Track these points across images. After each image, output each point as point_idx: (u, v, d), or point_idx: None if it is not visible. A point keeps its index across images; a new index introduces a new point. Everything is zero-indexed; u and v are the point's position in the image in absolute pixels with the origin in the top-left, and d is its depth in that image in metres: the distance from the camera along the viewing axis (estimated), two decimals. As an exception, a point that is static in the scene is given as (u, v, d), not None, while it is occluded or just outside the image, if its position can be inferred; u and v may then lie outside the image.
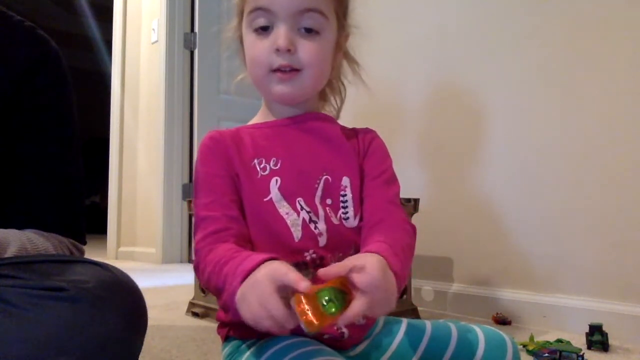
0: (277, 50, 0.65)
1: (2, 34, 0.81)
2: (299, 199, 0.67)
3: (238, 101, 3.29)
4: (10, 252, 0.70)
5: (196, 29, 3.24)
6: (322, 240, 0.67)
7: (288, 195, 0.67)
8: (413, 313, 1.53)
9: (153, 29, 3.39)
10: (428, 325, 0.71)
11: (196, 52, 3.23)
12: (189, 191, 3.23)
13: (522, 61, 1.56)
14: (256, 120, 0.76)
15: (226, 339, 0.68)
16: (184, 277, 2.40)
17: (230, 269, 0.57)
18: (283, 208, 0.66)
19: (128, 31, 3.69)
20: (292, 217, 0.66)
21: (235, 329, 0.66)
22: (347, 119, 0.79)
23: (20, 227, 0.77)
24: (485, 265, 1.62)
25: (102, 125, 4.00)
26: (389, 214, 0.70)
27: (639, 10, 1.35)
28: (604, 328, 1.22)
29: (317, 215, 0.67)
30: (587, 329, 1.24)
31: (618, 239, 1.36)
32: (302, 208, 0.67)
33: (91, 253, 0.86)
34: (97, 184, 5.17)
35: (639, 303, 1.32)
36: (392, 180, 0.75)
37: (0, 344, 0.56)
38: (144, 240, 3.40)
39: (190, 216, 2.89)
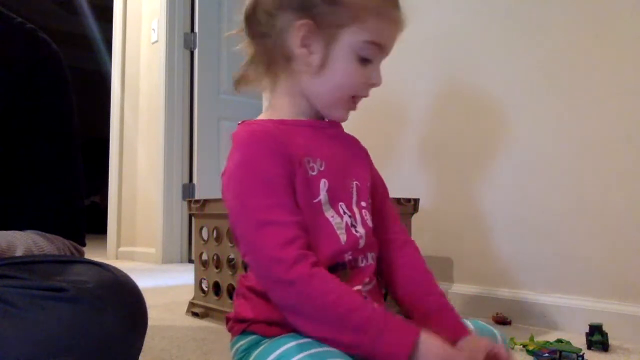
0: (372, 85, 0.69)
1: (3, 36, 0.82)
2: (340, 203, 0.67)
3: (238, 101, 3.30)
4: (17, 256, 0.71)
5: (196, 29, 3.25)
6: (362, 243, 0.68)
7: (332, 199, 0.67)
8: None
9: (153, 29, 3.39)
10: None
11: (196, 52, 3.23)
12: (189, 191, 3.23)
13: (523, 61, 1.56)
14: (281, 116, 0.71)
15: (242, 332, 0.67)
16: (184, 277, 2.40)
17: (387, 339, 0.56)
18: (329, 211, 0.66)
19: (128, 31, 3.69)
20: (337, 221, 0.66)
21: (259, 326, 0.65)
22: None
23: (20, 228, 0.77)
24: (485, 265, 1.62)
25: (102, 125, 4.00)
26: (405, 233, 0.77)
27: None
28: (604, 328, 1.22)
29: (355, 219, 0.68)
30: (587, 329, 1.24)
31: (618, 239, 1.36)
32: (344, 212, 0.67)
33: (91, 253, 0.86)
34: (97, 184, 5.17)
35: (639, 303, 1.32)
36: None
37: (0, 344, 0.56)
38: (144, 240, 3.40)
39: (190, 216, 2.89)
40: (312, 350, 0.57)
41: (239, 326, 0.67)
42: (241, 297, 0.69)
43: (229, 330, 0.70)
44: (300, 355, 0.57)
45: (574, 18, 1.46)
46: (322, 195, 0.66)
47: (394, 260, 0.74)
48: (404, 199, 1.52)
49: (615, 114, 1.38)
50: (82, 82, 2.69)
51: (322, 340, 0.58)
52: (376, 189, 0.77)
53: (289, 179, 0.64)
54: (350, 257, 0.66)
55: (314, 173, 0.66)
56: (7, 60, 0.80)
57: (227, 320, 0.71)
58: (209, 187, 3.17)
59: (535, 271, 1.51)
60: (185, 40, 3.28)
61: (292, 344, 0.59)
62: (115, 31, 3.75)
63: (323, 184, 0.66)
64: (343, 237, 0.66)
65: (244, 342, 0.66)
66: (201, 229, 1.64)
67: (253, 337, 0.65)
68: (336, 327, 0.57)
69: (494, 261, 1.60)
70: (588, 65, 1.43)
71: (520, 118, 1.56)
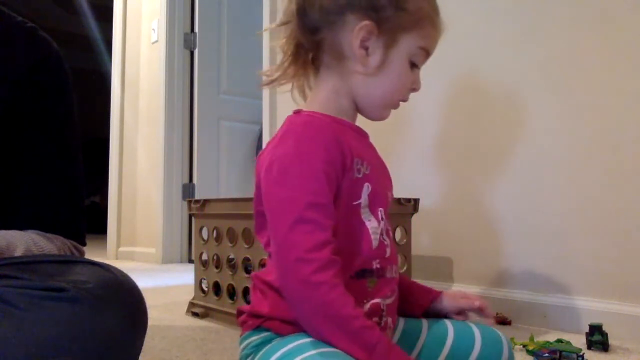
0: (414, 89, 0.72)
1: (3, 35, 0.82)
2: (380, 208, 0.68)
3: (238, 101, 3.30)
4: (17, 255, 0.71)
5: (196, 29, 3.25)
6: (388, 252, 0.68)
7: (373, 203, 0.67)
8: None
9: (153, 29, 3.39)
10: (425, 323, 0.72)
11: (196, 52, 3.24)
12: (189, 191, 3.23)
13: (526, 61, 1.56)
14: (327, 112, 0.69)
15: (256, 328, 0.66)
16: (184, 277, 2.40)
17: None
18: (367, 214, 0.66)
19: (128, 31, 3.69)
20: (374, 225, 0.66)
21: (274, 323, 0.64)
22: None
23: (20, 227, 0.77)
24: (485, 265, 1.62)
25: (102, 125, 4.00)
26: None
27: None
28: (604, 328, 1.22)
29: (387, 227, 0.69)
30: (587, 329, 1.24)
31: (618, 239, 1.36)
32: (382, 218, 0.68)
33: (91, 253, 0.86)
34: (97, 184, 5.17)
35: (639, 303, 1.32)
36: None
37: (0, 344, 0.56)
38: (144, 240, 3.40)
39: (190, 216, 2.89)
40: (323, 349, 0.57)
41: (253, 321, 0.66)
42: (258, 292, 0.68)
43: (241, 325, 0.68)
44: (311, 353, 0.57)
45: (578, 17, 1.46)
46: (363, 199, 0.66)
47: None
48: (404, 199, 1.52)
49: (618, 114, 1.38)
50: (82, 82, 2.69)
51: (327, 344, 0.58)
52: None
53: (337, 179, 0.63)
54: (378, 266, 0.66)
55: (359, 175, 0.66)
56: (8, 59, 0.80)
57: (239, 312, 0.69)
58: (209, 187, 3.18)
59: (535, 271, 1.51)
60: (185, 40, 3.28)
61: (303, 341, 0.59)
62: (115, 31, 3.75)
63: (366, 188, 0.66)
64: (375, 243, 0.66)
65: (257, 337, 0.65)
66: (201, 229, 1.64)
67: (267, 334, 0.65)
68: (347, 338, 0.57)
69: (494, 261, 1.60)
70: (592, 65, 1.43)
71: (521, 118, 1.56)
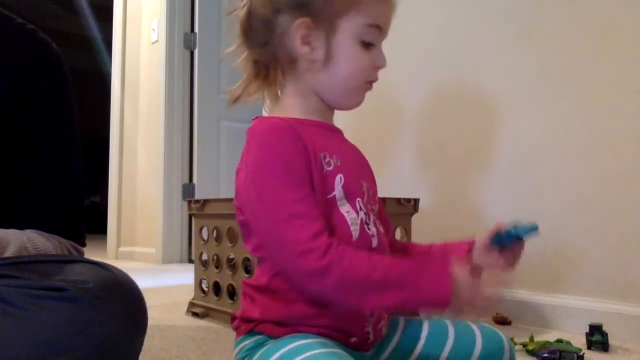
0: (378, 68, 0.70)
1: (3, 36, 0.82)
2: (358, 199, 0.67)
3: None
4: (10, 252, 0.71)
5: (196, 29, 3.25)
6: (375, 242, 0.68)
7: (349, 194, 0.67)
8: (413, 313, 1.53)
9: (153, 29, 3.39)
10: (425, 323, 0.72)
11: (196, 52, 3.24)
12: (189, 191, 3.23)
13: (523, 61, 1.56)
14: (293, 115, 0.70)
15: (248, 332, 0.67)
16: (184, 277, 2.40)
17: (431, 270, 0.60)
18: (344, 206, 0.66)
19: (128, 31, 3.69)
20: (352, 216, 0.66)
21: (266, 326, 0.65)
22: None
23: (20, 227, 0.77)
24: (485, 265, 1.62)
25: (102, 125, 4.00)
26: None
27: (639, 9, 1.35)
28: (604, 328, 1.22)
29: (369, 217, 0.68)
30: (587, 329, 1.24)
31: (618, 239, 1.36)
32: (360, 208, 0.67)
33: (91, 253, 0.86)
34: (97, 184, 5.18)
35: (639, 303, 1.32)
36: None
37: (0, 344, 0.56)
38: (144, 240, 3.40)
39: (190, 216, 2.89)
40: (320, 350, 0.58)
41: (246, 326, 0.67)
42: (248, 298, 0.68)
43: (235, 329, 0.69)
44: (308, 354, 0.57)
45: (570, 17, 1.46)
46: (337, 191, 0.65)
47: None
48: (404, 199, 1.52)
49: (615, 113, 1.38)
50: (82, 82, 2.69)
51: (371, 309, 0.64)
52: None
53: (309, 171, 0.64)
54: None
55: (330, 168, 0.66)
56: (8, 60, 0.80)
57: (233, 318, 0.70)
58: (209, 187, 3.17)
59: (535, 271, 1.51)
60: (185, 40, 3.28)
61: (300, 342, 0.59)
62: (115, 31, 3.75)
63: (339, 179, 0.66)
64: (355, 234, 0.65)
65: (250, 341, 0.66)
66: (201, 229, 1.64)
67: (259, 337, 0.65)
68: (379, 293, 0.58)
69: (494, 261, 1.60)
70: (586, 64, 1.43)
71: (520, 118, 1.56)
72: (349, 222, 0.65)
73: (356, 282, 0.58)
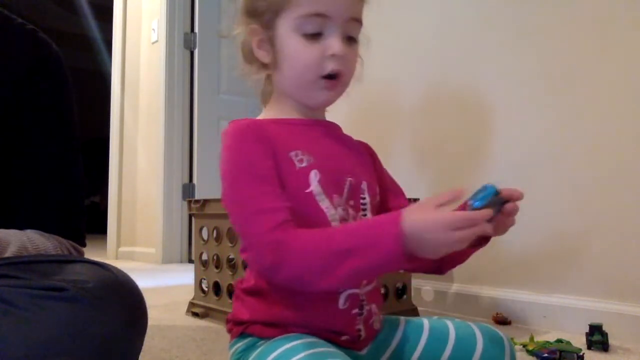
0: (332, 55, 0.66)
1: (3, 37, 0.82)
2: (335, 195, 0.67)
3: (238, 101, 3.30)
4: (10, 252, 0.71)
5: (196, 29, 3.25)
6: None
7: (326, 190, 0.66)
8: (413, 313, 1.53)
9: (153, 29, 3.39)
10: (426, 323, 0.72)
11: (196, 52, 3.24)
12: (189, 191, 3.23)
13: (521, 61, 1.56)
14: (271, 117, 0.72)
15: (240, 335, 0.67)
16: (184, 277, 2.40)
17: (373, 229, 0.57)
18: (323, 202, 0.65)
19: (128, 31, 3.69)
20: (332, 212, 0.66)
21: (256, 327, 0.65)
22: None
23: (20, 228, 0.77)
24: (485, 265, 1.62)
25: (102, 125, 4.00)
26: None
27: (639, 10, 1.35)
28: (604, 328, 1.22)
29: (347, 214, 0.67)
30: (587, 329, 1.24)
31: (618, 239, 1.36)
32: (338, 205, 0.67)
33: (91, 253, 0.86)
34: (97, 184, 5.18)
35: (639, 303, 1.32)
36: None
37: (0, 344, 0.56)
38: (144, 240, 3.40)
39: (190, 216, 2.89)
40: (314, 350, 0.58)
41: (237, 328, 0.68)
42: (238, 300, 0.69)
43: (228, 332, 0.70)
44: (302, 355, 0.57)
45: (570, 17, 1.46)
46: (314, 186, 0.65)
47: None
48: (404, 199, 1.52)
49: (615, 113, 1.38)
50: (82, 82, 2.69)
51: (331, 288, 0.61)
52: (387, 191, 0.76)
53: (275, 169, 0.64)
54: None
55: (304, 165, 0.66)
56: (8, 61, 0.80)
57: (227, 321, 0.71)
58: (209, 187, 3.17)
59: (535, 271, 1.51)
60: (185, 40, 3.28)
61: (294, 343, 0.59)
62: (115, 31, 3.75)
63: (314, 175, 0.66)
64: None
65: (242, 343, 0.66)
66: (201, 229, 1.64)
67: (250, 339, 0.66)
68: (330, 273, 0.57)
69: (494, 261, 1.60)
70: (586, 64, 1.43)
71: (519, 118, 1.56)
72: (329, 218, 0.65)
73: (308, 271, 0.58)
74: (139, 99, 3.54)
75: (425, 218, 0.55)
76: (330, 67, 0.66)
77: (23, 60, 0.82)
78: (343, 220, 0.66)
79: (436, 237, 0.54)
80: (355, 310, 0.65)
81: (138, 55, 3.57)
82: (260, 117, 0.73)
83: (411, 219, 0.55)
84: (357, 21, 0.69)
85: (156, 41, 3.35)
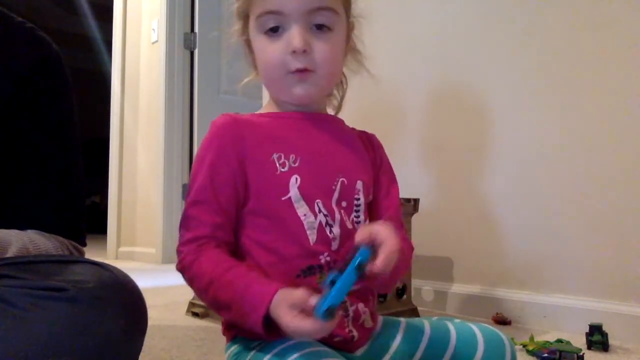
0: (293, 52, 0.64)
1: (3, 35, 0.81)
2: (317, 200, 0.65)
3: (238, 101, 3.28)
4: (11, 252, 0.71)
5: (196, 29, 3.25)
6: (335, 245, 0.66)
7: (307, 196, 0.65)
8: (413, 313, 1.53)
9: (153, 29, 3.39)
10: (427, 325, 0.71)
11: (196, 52, 3.23)
12: (189, 191, 3.23)
13: (523, 61, 1.57)
14: (268, 110, 0.73)
15: (233, 338, 0.67)
16: (184, 277, 2.40)
17: (249, 300, 0.58)
18: (301, 209, 0.64)
19: (128, 31, 3.69)
20: (310, 220, 0.64)
21: (245, 331, 0.65)
22: (350, 118, 0.79)
23: (20, 228, 0.77)
24: (485, 265, 1.62)
25: (102, 125, 4.00)
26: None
27: (639, 10, 1.35)
28: (604, 328, 1.22)
29: (333, 218, 0.66)
30: (587, 329, 1.24)
31: (618, 239, 1.36)
32: (320, 211, 0.65)
33: (91, 253, 0.86)
34: (97, 184, 5.17)
35: (639, 303, 1.32)
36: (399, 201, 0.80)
37: (0, 344, 0.56)
38: (144, 240, 3.40)
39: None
40: (307, 350, 0.58)
41: (230, 332, 0.68)
42: None
43: (223, 335, 0.71)
44: (295, 356, 0.57)
45: (570, 18, 1.46)
46: (293, 193, 0.64)
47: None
48: (404, 199, 1.52)
49: (615, 113, 1.38)
50: (82, 82, 2.69)
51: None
52: (379, 190, 0.75)
53: (233, 174, 0.65)
54: (328, 259, 0.65)
55: (285, 169, 0.65)
56: (8, 60, 0.80)
57: (222, 325, 0.71)
58: (209, 187, 3.17)
59: (535, 271, 1.51)
60: (185, 40, 3.28)
61: (287, 344, 0.59)
62: (115, 31, 3.75)
63: (294, 181, 0.65)
64: (312, 237, 0.64)
65: (235, 347, 0.67)
66: (201, 229, 1.64)
67: (244, 342, 0.66)
68: (216, 308, 0.63)
69: (494, 261, 1.60)
70: (586, 65, 1.43)
71: (520, 118, 1.56)
72: (306, 226, 0.64)
73: (200, 295, 0.65)
74: (139, 99, 3.54)
75: (280, 315, 0.56)
76: (294, 64, 0.65)
77: (23, 60, 0.82)
78: (327, 226, 0.65)
79: (287, 331, 0.56)
80: (341, 313, 0.64)
81: (138, 55, 3.57)
82: (260, 110, 0.74)
83: (275, 313, 0.56)
84: (324, 9, 0.66)
85: (156, 41, 3.35)
